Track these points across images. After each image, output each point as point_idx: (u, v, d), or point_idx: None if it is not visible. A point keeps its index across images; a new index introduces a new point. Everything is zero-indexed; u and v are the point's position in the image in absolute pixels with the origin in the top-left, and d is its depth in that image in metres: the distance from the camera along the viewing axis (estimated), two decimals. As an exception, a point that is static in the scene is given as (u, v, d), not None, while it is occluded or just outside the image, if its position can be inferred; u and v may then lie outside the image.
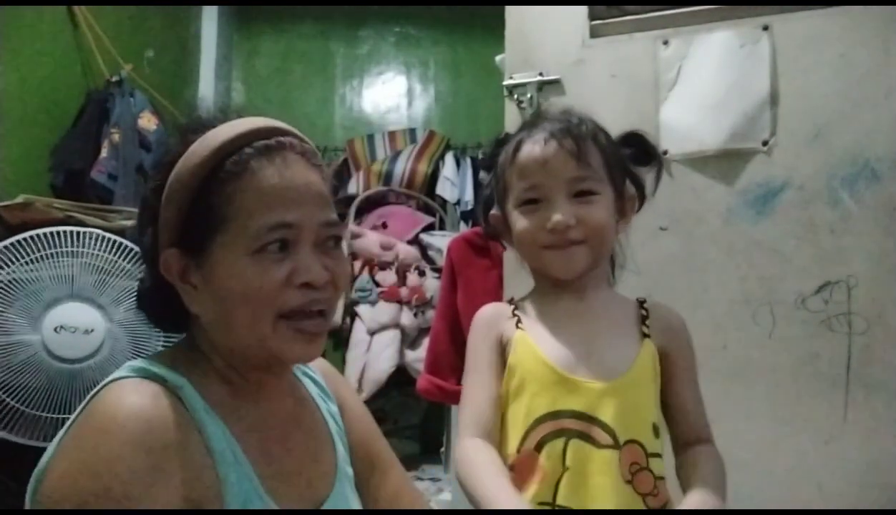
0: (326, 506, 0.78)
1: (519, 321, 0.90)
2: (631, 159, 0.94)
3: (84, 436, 0.64)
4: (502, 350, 0.89)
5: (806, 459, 1.31)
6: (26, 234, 1.80)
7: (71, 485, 0.62)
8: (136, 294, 0.79)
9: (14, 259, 1.78)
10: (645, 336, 0.89)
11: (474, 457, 0.83)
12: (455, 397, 0.95)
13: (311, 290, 0.72)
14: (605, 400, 0.82)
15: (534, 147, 0.88)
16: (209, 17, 4.01)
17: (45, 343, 1.76)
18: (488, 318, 0.92)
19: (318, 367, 0.93)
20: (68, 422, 0.67)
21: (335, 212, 0.76)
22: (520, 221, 0.88)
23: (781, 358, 1.34)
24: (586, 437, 0.81)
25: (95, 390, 0.68)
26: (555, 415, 0.83)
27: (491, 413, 0.86)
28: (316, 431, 0.84)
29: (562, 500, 0.80)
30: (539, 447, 0.82)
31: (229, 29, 4.23)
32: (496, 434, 0.87)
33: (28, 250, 1.79)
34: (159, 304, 0.77)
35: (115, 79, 2.84)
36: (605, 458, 0.81)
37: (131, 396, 0.65)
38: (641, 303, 0.93)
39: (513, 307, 0.93)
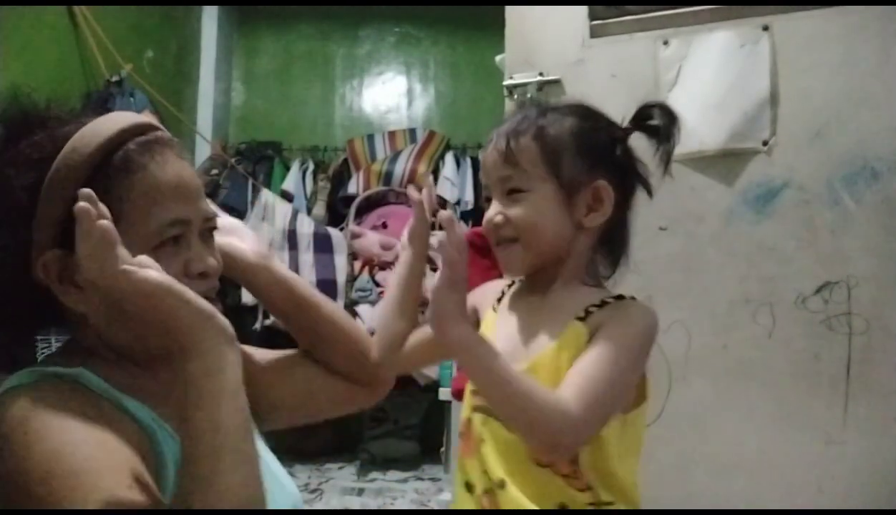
0: None
1: (499, 300, 0.93)
2: (647, 134, 0.89)
3: (8, 457, 0.61)
4: (472, 314, 0.93)
5: (806, 459, 1.31)
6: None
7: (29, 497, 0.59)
8: None
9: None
10: (579, 319, 0.82)
11: None
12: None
13: (206, 279, 0.75)
14: None
15: (483, 149, 0.92)
16: (209, 17, 4.01)
17: None
18: (483, 288, 0.98)
19: None
20: None
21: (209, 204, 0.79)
22: None
23: (781, 358, 1.34)
24: (496, 416, 0.83)
25: None
26: (475, 392, 0.86)
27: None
28: None
29: (488, 468, 0.82)
30: (472, 416, 0.87)
31: (229, 29, 4.23)
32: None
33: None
34: (23, 312, 0.75)
35: (115, 79, 2.84)
36: (515, 441, 0.80)
37: (31, 399, 0.64)
38: (615, 298, 0.85)
39: (508, 285, 0.95)
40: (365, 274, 3.40)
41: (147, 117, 0.79)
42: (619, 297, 0.86)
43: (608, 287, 0.91)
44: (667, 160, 0.89)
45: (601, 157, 0.88)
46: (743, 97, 1.39)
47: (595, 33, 1.52)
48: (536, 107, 0.91)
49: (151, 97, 3.02)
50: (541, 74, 1.53)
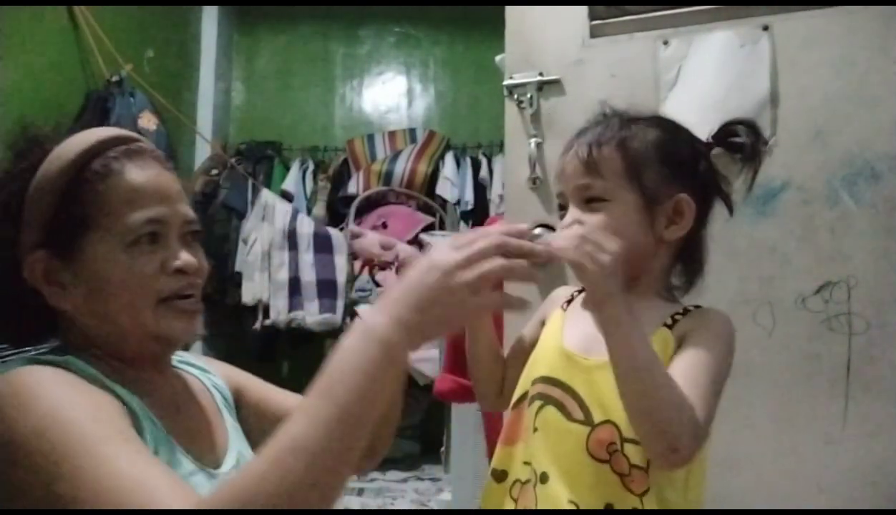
0: (228, 460, 0.82)
1: (569, 302, 0.94)
2: (731, 151, 0.94)
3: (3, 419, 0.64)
4: (540, 324, 0.96)
5: (806, 459, 1.31)
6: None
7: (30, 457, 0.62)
8: None
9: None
10: (666, 326, 0.84)
11: None
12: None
13: (184, 276, 0.79)
14: (588, 376, 0.83)
15: (561, 155, 0.91)
16: (209, 17, 4.01)
17: None
18: (552, 296, 0.99)
19: (196, 358, 0.97)
20: None
21: (192, 210, 0.84)
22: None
23: (781, 358, 1.34)
24: (560, 407, 0.83)
25: None
26: (543, 380, 0.86)
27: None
28: (205, 401, 0.89)
29: (532, 459, 0.84)
30: (528, 404, 0.87)
31: (229, 29, 4.23)
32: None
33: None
34: (14, 315, 0.80)
35: (115, 79, 2.84)
36: (573, 432, 0.81)
37: (30, 374, 0.68)
38: (693, 307, 0.88)
39: (578, 290, 0.95)
40: (365, 274, 3.40)
41: (129, 132, 0.84)
42: (698, 307, 0.87)
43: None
44: (752, 177, 0.92)
45: (684, 170, 0.89)
46: (743, 97, 1.39)
47: (595, 33, 1.52)
48: (619, 118, 0.91)
49: (151, 97, 3.02)
50: (540, 74, 1.53)
